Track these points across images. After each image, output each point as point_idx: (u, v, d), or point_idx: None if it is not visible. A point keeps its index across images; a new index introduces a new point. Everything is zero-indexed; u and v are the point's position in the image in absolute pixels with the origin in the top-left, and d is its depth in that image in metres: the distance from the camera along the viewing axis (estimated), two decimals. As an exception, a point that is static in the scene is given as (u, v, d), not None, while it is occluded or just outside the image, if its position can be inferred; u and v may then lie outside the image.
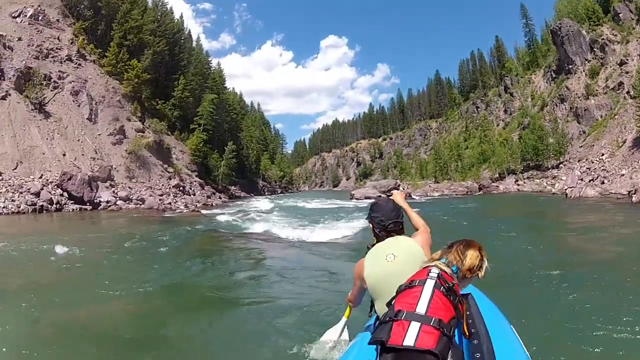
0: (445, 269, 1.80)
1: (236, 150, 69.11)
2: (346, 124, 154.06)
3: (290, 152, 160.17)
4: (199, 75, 61.93)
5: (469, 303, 2.05)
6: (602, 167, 40.05)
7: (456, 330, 1.68)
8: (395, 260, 2.16)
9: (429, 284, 1.68)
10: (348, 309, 2.86)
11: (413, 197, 38.60)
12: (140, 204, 28.61)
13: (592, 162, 43.11)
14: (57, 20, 42.98)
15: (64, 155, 31.58)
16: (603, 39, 51.99)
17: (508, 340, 1.97)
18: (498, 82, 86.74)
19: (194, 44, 69.63)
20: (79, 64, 40.78)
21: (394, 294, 1.77)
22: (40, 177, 28.39)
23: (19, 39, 37.02)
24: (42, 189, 26.44)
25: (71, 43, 41.84)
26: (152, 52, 51.28)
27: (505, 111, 75.74)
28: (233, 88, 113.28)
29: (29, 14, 39.66)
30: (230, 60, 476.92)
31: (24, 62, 35.08)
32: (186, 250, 10.66)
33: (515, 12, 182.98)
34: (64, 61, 39.36)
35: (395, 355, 1.51)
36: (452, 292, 1.69)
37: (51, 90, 35.94)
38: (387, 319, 1.61)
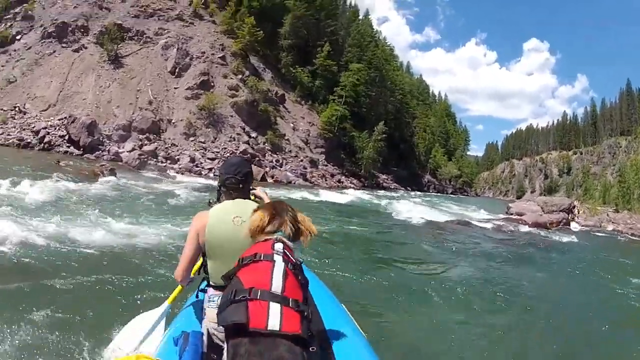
0: (289, 244, 1.61)
1: (400, 137, 56.53)
2: (539, 131, 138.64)
3: (481, 155, 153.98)
4: (357, 47, 52.31)
5: None
6: None
7: None
8: (242, 225, 1.89)
9: (279, 260, 1.48)
10: (177, 290, 2.39)
11: (572, 228, 18.98)
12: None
13: None
14: (182, -15, 40.37)
15: (109, 102, 25.69)
16: None
17: (342, 324, 1.95)
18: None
19: (361, 16, 60.63)
20: (191, 23, 36.57)
21: (231, 259, 1.62)
22: (61, 119, 23.03)
23: (123, 0, 34.70)
24: (43, 127, 21.90)
25: (189, 5, 38.02)
26: (292, 17, 44.55)
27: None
28: (421, 75, 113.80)
29: (147, -21, 37.89)
30: (435, 54, 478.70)
31: (114, 20, 31.95)
32: None
33: None
34: (172, 20, 35.58)
35: (253, 340, 1.28)
36: (298, 270, 1.52)
37: (140, 45, 31.60)
38: (242, 297, 1.36)
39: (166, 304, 2.39)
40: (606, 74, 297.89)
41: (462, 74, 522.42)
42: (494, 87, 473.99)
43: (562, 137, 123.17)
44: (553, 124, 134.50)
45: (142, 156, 19.17)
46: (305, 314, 1.38)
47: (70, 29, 30.50)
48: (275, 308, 1.32)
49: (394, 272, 6.64)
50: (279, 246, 1.53)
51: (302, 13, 45.22)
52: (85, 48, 29.60)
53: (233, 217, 1.94)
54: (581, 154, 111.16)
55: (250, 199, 2.20)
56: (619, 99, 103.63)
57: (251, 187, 2.28)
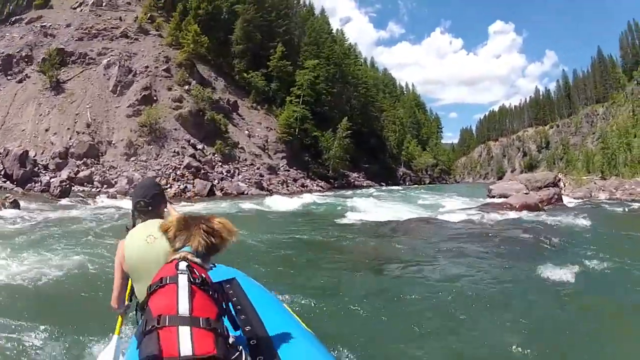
0: (195, 259, 1.55)
1: (369, 132, 56.95)
2: (513, 110, 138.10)
3: (457, 142, 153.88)
4: (313, 44, 52.48)
5: (233, 289, 2.01)
6: None
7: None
8: (155, 242, 2.00)
9: (183, 280, 1.42)
10: (119, 321, 2.35)
11: (566, 203, 18.56)
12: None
13: None
14: (128, 3, 41.14)
15: (47, 130, 26.37)
16: None
17: (282, 319, 1.92)
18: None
19: (317, 14, 60.87)
20: (136, 39, 36.97)
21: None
22: (-2, 155, 23.63)
23: (68, 25, 35.69)
24: (-20, 166, 22.37)
25: (134, 21, 38.58)
26: (242, 21, 44.93)
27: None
28: (385, 69, 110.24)
29: (90, 2, 39.28)
30: (401, 48, 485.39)
31: (57, 45, 32.59)
32: None
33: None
34: (116, 38, 36.01)
35: None
36: (207, 285, 1.47)
37: (83, 67, 32.18)
38: (151, 327, 1.32)
39: (115, 337, 2.35)
40: (575, 46, 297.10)
41: (431, 64, 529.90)
42: (463, 73, 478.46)
43: (536, 112, 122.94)
44: (526, 101, 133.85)
45: (64, 183, 19.57)
46: (219, 330, 1.35)
47: (15, 60, 31.12)
48: (184, 331, 1.29)
49: (339, 280, 5.88)
50: (182, 265, 1.48)
51: (251, 16, 45.43)
52: (29, 77, 30.23)
53: (146, 236, 2.03)
54: (558, 126, 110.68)
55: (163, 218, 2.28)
56: (590, 68, 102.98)
57: (166, 206, 2.44)
